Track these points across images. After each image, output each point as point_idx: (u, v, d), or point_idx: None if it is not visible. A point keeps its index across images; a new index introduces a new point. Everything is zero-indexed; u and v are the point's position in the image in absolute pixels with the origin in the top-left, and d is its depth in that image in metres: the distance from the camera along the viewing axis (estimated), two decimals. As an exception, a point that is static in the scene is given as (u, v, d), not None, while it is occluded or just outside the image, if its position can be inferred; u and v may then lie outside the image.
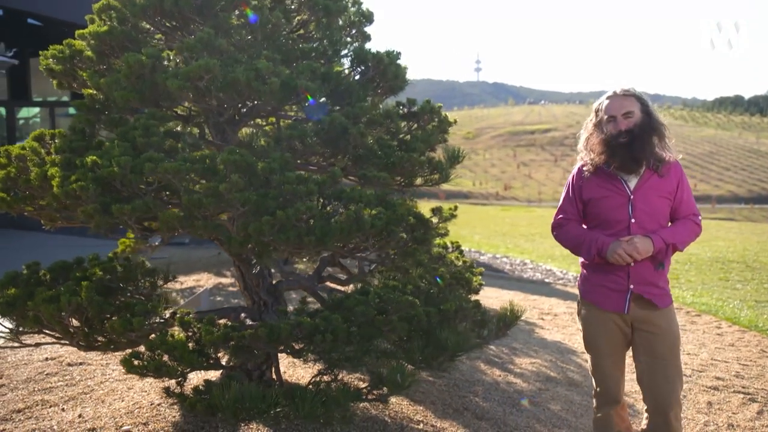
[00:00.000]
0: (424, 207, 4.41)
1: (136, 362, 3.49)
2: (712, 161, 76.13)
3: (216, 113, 4.25)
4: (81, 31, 4.45)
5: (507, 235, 24.18)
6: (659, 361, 3.45)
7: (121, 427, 4.02)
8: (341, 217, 3.58)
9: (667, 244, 3.41)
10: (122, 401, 4.44)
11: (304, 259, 5.23)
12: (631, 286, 3.44)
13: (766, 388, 5.69)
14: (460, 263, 5.04)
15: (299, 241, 3.52)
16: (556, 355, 6.40)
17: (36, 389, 4.66)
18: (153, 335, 3.68)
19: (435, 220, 5.05)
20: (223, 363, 3.92)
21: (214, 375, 4.61)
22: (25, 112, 19.91)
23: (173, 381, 3.67)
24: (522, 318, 8.15)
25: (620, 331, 3.54)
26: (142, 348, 3.63)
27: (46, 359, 5.36)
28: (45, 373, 5.02)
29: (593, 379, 3.71)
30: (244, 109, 4.46)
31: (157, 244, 4.71)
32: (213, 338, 3.44)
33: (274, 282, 4.78)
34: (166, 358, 3.51)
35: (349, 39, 5.00)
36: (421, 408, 4.62)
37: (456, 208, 5.16)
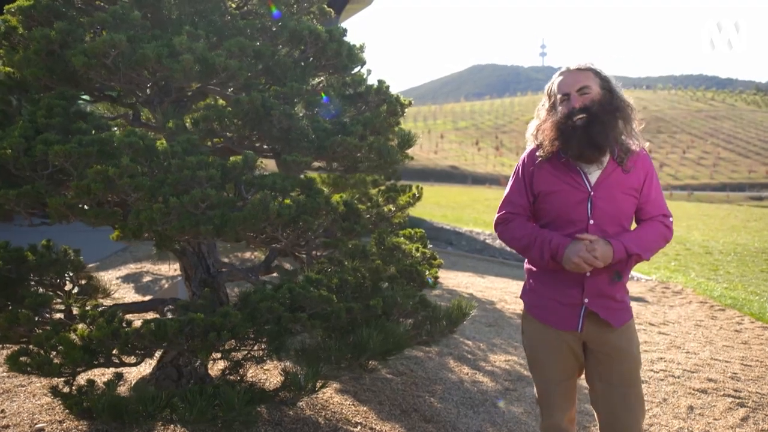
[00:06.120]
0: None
1: (22, 359, 3.26)
2: (787, 148, 73.33)
3: (130, 93, 4.00)
4: (9, 6, 4.24)
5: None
6: (617, 389, 2.92)
7: (35, 424, 3.83)
8: (248, 206, 3.30)
9: (629, 253, 2.83)
10: (50, 396, 4.25)
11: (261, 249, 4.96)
12: (586, 300, 2.88)
13: (761, 392, 5.15)
14: (419, 254, 4.67)
15: (195, 230, 3.25)
16: (537, 353, 5.97)
17: (-24, 380, 4.52)
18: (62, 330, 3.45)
19: (392, 207, 4.74)
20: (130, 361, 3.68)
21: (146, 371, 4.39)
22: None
23: (62, 380, 3.42)
24: (513, 312, 7.76)
25: (572, 354, 2.99)
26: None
27: (2, 348, 5.21)
28: (-8, 363, 4.87)
29: (539, 408, 3.17)
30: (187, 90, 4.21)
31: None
32: (100, 335, 3.18)
33: (221, 271, 4.53)
34: (54, 355, 3.28)
35: (306, 17, 4.70)
36: (365, 408, 4.30)
37: (414, 196, 4.81)
